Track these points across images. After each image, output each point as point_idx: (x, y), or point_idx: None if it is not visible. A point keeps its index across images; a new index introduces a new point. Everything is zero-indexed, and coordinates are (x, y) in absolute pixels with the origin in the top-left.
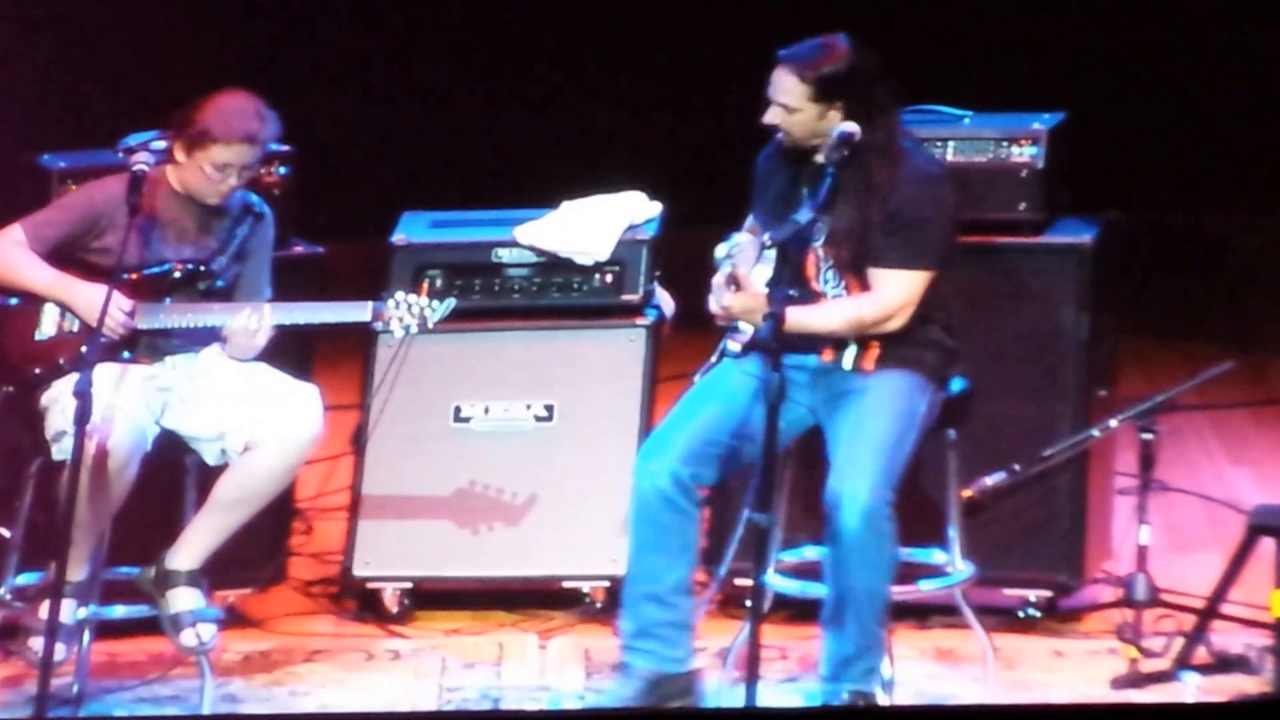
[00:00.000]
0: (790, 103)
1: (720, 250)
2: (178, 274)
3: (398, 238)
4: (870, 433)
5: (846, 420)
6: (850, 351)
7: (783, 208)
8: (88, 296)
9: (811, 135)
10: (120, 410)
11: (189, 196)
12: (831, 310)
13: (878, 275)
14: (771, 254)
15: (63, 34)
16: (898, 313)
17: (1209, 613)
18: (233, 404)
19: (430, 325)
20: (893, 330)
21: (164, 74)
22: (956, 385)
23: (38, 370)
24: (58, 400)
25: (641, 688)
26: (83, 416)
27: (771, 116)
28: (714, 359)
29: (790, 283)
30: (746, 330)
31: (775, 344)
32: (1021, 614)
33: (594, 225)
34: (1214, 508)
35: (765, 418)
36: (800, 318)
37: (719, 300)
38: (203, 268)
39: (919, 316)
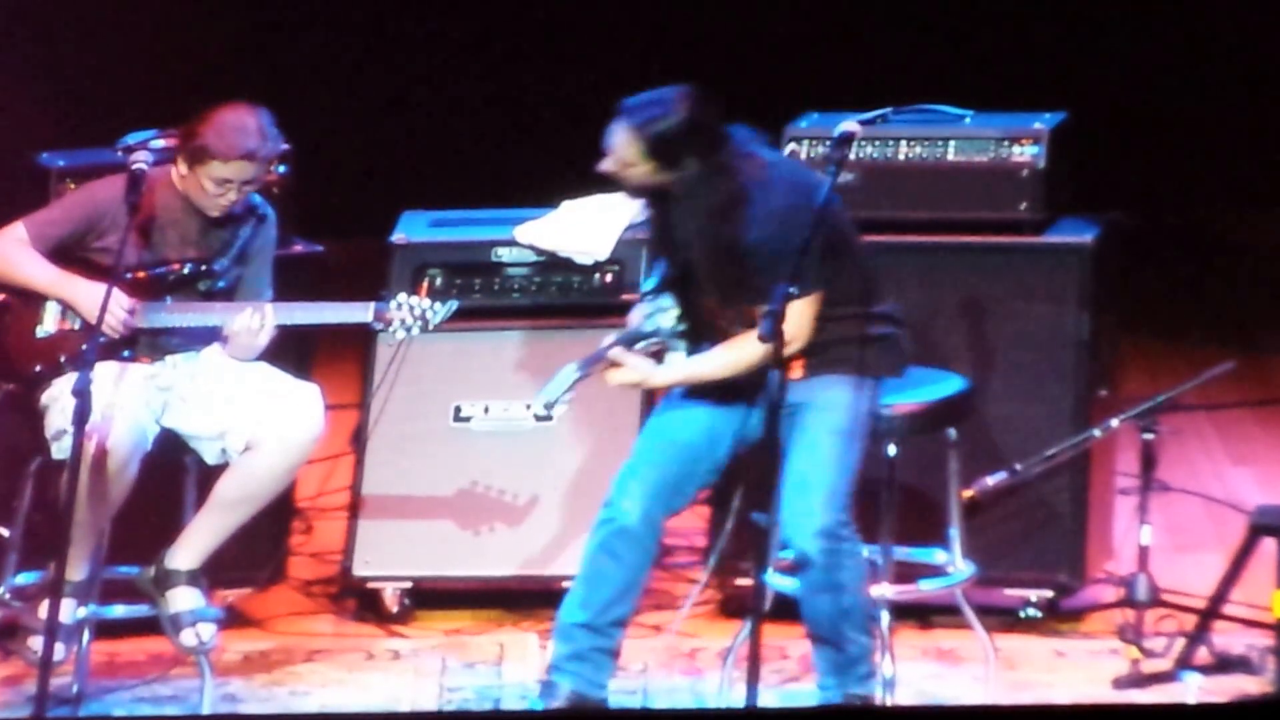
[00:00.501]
0: (625, 158)
1: (547, 395)
2: (179, 273)
3: (397, 237)
4: (813, 458)
5: (791, 442)
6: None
7: (663, 249)
8: (88, 295)
9: (649, 186)
10: (120, 409)
11: (189, 199)
12: (722, 356)
13: (762, 311)
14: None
15: (62, 32)
16: (791, 341)
17: (1210, 613)
18: (233, 403)
19: (431, 327)
20: (801, 349)
21: (163, 72)
22: (957, 385)
23: (38, 368)
24: (58, 399)
25: (563, 707)
26: (82, 415)
27: (607, 166)
28: None
29: (696, 325)
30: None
31: (777, 342)
32: (1023, 614)
33: (594, 225)
34: (1215, 508)
35: (766, 417)
36: (695, 369)
37: (610, 384)
38: (203, 267)
39: (833, 319)
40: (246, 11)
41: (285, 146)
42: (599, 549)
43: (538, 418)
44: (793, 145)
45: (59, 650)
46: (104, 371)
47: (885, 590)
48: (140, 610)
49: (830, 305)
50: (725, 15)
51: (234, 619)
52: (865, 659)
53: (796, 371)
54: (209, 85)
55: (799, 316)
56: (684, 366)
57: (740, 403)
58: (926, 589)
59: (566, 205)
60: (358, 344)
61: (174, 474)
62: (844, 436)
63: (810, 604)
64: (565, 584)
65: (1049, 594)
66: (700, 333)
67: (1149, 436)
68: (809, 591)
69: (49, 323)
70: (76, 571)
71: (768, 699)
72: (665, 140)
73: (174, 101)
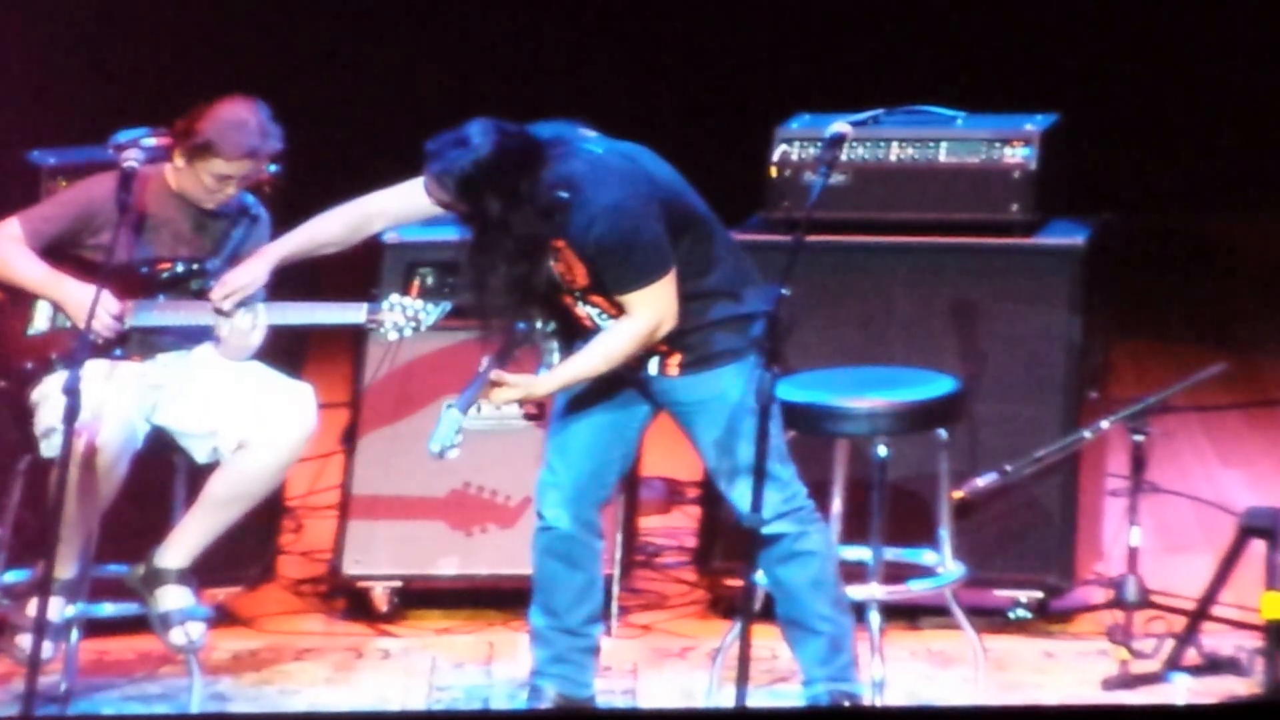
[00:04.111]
0: (441, 199)
1: (440, 442)
2: (171, 272)
3: (389, 235)
4: (733, 461)
5: (702, 447)
6: (653, 360)
7: None
8: (77, 296)
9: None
10: (110, 408)
11: (184, 196)
12: (594, 352)
13: (621, 301)
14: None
15: (53, 29)
16: (659, 324)
17: (1199, 614)
18: (225, 402)
19: (423, 328)
20: (673, 329)
21: (155, 69)
22: (947, 385)
23: (29, 365)
24: (48, 397)
25: (549, 711)
26: (72, 414)
27: (434, 204)
28: None
29: (563, 325)
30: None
31: (768, 344)
32: (1012, 615)
33: None
34: (1205, 509)
35: (757, 418)
36: (575, 369)
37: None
38: (196, 266)
39: (691, 305)
40: (237, 9)
41: (282, 144)
42: (544, 555)
43: (528, 417)
44: (784, 146)
45: (47, 648)
46: (94, 369)
47: (875, 591)
48: (129, 609)
49: (682, 282)
50: (716, 16)
51: (223, 618)
52: (845, 645)
53: (672, 370)
54: (200, 83)
55: (657, 300)
56: (564, 370)
57: (626, 388)
58: (916, 590)
59: None
60: (349, 343)
61: (164, 472)
62: (749, 419)
63: (779, 579)
64: None
65: (1038, 595)
66: (569, 331)
67: (1139, 438)
68: (777, 563)
69: (40, 321)
70: (65, 569)
71: (757, 699)
72: (470, 182)
73: (165, 99)
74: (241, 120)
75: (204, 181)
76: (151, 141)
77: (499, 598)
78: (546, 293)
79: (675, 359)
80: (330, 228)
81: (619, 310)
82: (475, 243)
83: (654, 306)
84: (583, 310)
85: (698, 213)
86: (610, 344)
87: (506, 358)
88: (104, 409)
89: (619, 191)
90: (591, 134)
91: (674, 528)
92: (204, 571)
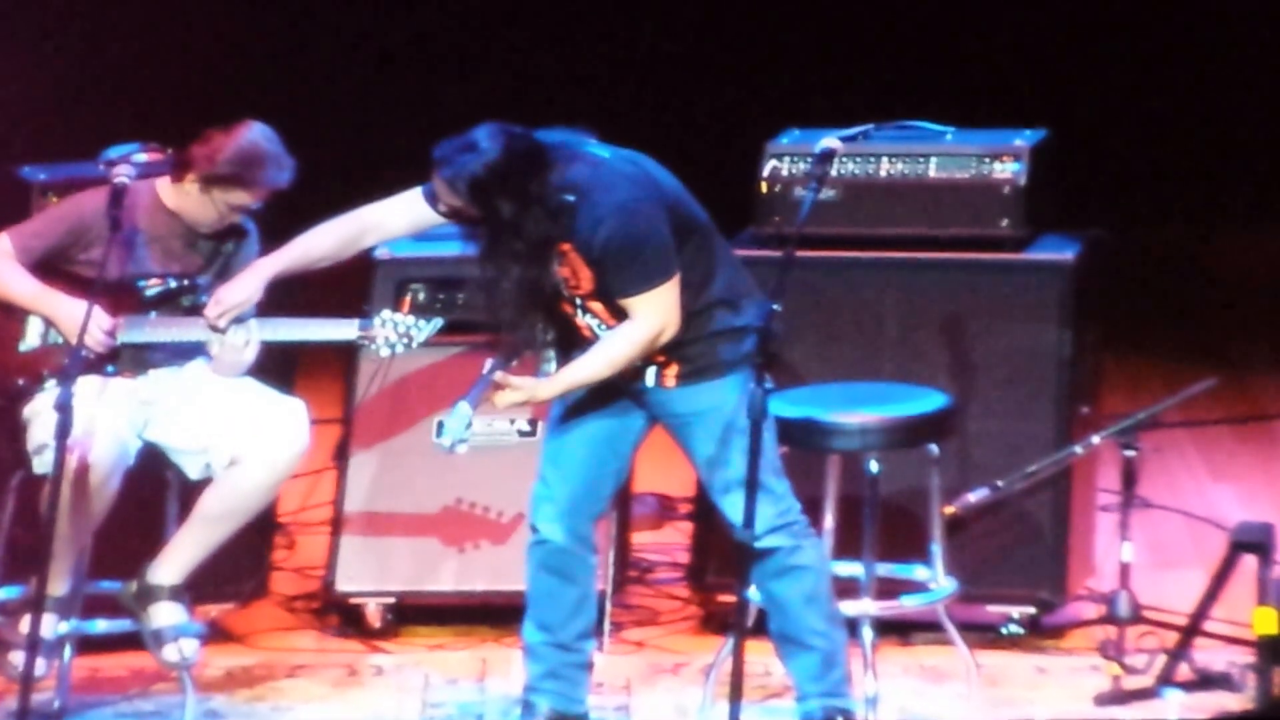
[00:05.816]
0: (451, 204)
1: (451, 435)
2: (163, 288)
3: (380, 251)
4: (727, 474)
5: (696, 460)
6: (650, 370)
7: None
8: (69, 311)
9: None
10: (102, 424)
11: (179, 214)
12: (597, 357)
13: (625, 305)
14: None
15: (44, 45)
16: (662, 329)
17: (1191, 630)
18: (217, 418)
19: (415, 345)
20: (672, 339)
21: (146, 84)
22: (938, 401)
23: (20, 382)
24: (40, 413)
25: None
26: (64, 430)
27: (444, 210)
28: None
29: (562, 332)
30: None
31: (759, 358)
32: (1004, 630)
33: None
34: (1196, 524)
35: (750, 432)
36: (577, 375)
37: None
38: (187, 282)
39: (691, 315)
40: (227, 24)
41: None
42: (539, 569)
43: (521, 433)
44: (774, 162)
45: (40, 665)
46: (86, 386)
47: (868, 606)
48: (122, 625)
49: (683, 290)
50: (707, 31)
51: (216, 634)
52: (838, 660)
53: (670, 381)
54: (191, 97)
55: (661, 305)
56: (567, 374)
57: (621, 400)
58: (909, 605)
59: None
60: (341, 359)
61: (156, 489)
62: (744, 433)
63: (773, 593)
64: None
65: (1031, 610)
66: (567, 340)
67: (1130, 453)
68: (771, 578)
69: (31, 337)
70: (58, 586)
71: (750, 715)
72: (481, 186)
73: (156, 114)
74: (265, 153)
75: (219, 209)
76: (143, 157)
77: (492, 613)
78: (548, 300)
79: (673, 370)
80: (323, 242)
81: (619, 319)
82: (486, 247)
83: (658, 311)
84: (583, 320)
85: (699, 220)
86: (613, 349)
87: (510, 361)
88: (96, 425)
89: (626, 194)
90: (593, 141)
91: (667, 543)
92: (197, 588)
